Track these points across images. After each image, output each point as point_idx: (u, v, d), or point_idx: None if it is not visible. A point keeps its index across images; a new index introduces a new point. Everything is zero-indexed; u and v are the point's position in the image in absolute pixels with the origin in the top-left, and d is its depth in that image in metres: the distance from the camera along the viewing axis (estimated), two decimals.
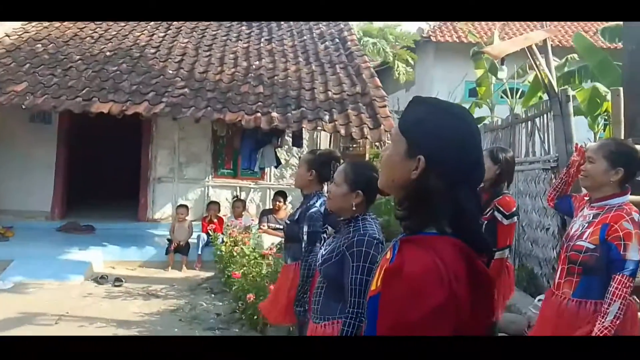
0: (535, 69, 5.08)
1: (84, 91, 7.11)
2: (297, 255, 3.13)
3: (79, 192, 9.43)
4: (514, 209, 3.21)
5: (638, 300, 3.60)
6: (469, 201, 1.09)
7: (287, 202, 7.39)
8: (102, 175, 10.94)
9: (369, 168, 2.24)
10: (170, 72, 7.89)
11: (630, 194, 2.41)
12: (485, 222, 3.20)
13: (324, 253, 2.22)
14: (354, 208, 2.16)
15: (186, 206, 7.73)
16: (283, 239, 5.84)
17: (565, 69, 7.71)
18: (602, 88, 6.21)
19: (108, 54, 8.36)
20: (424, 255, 1.03)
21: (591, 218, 2.36)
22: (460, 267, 1.03)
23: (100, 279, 6.17)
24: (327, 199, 2.34)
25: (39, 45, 8.40)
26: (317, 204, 3.08)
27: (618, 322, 2.15)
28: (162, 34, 9.41)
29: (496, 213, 3.16)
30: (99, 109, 6.82)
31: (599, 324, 2.17)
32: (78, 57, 8.11)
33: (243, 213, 7.76)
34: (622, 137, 4.00)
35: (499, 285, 3.20)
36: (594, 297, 2.27)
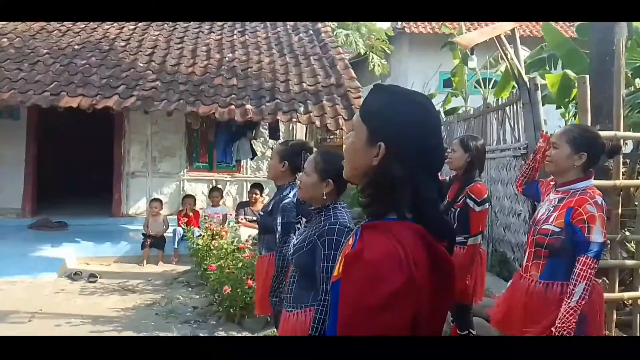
0: (505, 58, 5.16)
1: (52, 85, 6.95)
2: (272, 246, 3.14)
3: (51, 188, 9.23)
4: (486, 195, 3.27)
5: (607, 281, 3.73)
6: (428, 188, 1.11)
7: (263, 194, 7.38)
8: (74, 171, 10.73)
9: (338, 157, 2.24)
10: (141, 65, 7.76)
11: (594, 179, 2.47)
12: (458, 209, 3.26)
13: (295, 242, 2.23)
14: (324, 197, 2.17)
15: (159, 200, 7.66)
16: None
17: (538, 57, 7.81)
18: (572, 74, 6.32)
19: (76, 47, 8.17)
20: (384, 240, 1.04)
21: (557, 202, 2.41)
22: (420, 252, 1.04)
23: (74, 275, 6.07)
24: (298, 188, 2.35)
25: (5, 40, 8.16)
26: (291, 195, 3.09)
27: (583, 302, 2.21)
28: (132, 27, 9.23)
29: (468, 200, 3.22)
30: (67, 104, 6.68)
31: (565, 304, 2.23)
32: (45, 50, 7.91)
33: (220, 202, 7.71)
34: (589, 124, 4.11)
35: (473, 270, 3.27)
36: (560, 279, 2.33)
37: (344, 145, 1.23)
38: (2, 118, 8.24)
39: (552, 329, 2.22)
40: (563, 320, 2.19)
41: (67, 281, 5.99)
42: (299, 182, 2.36)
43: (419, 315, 1.02)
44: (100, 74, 7.34)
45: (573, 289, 2.22)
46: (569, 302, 2.21)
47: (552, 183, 2.60)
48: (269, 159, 3.32)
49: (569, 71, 6.12)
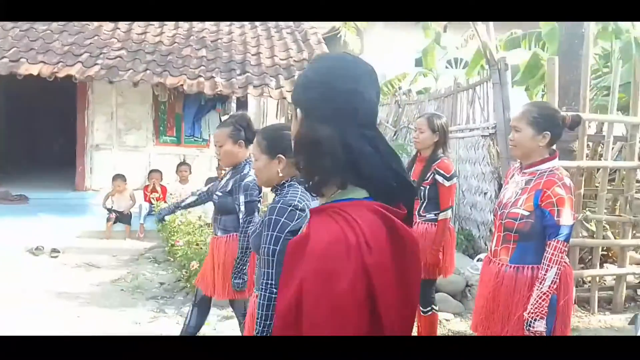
0: (477, 36, 5.18)
1: (11, 51, 6.64)
2: (229, 228, 3.04)
3: (10, 160, 8.89)
4: (453, 170, 3.33)
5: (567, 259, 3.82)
6: (362, 142, 1.02)
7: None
8: (35, 142, 10.35)
9: (281, 128, 2.11)
10: (106, 32, 7.48)
11: (558, 159, 2.47)
12: (427, 186, 3.29)
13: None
14: (280, 174, 2.04)
15: (122, 175, 7.37)
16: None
17: (512, 37, 7.83)
18: (542, 54, 6.37)
19: None
20: (331, 225, 0.95)
21: (523, 184, 2.37)
22: (376, 232, 0.96)
23: (36, 250, 5.90)
24: (256, 176, 2.24)
25: None
26: (251, 172, 2.95)
27: (555, 286, 2.20)
28: None
29: (437, 176, 3.27)
30: (27, 71, 6.40)
31: (536, 289, 2.20)
32: None
33: (189, 178, 7.54)
34: (556, 105, 4.16)
35: (445, 244, 3.32)
36: (529, 262, 2.30)
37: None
38: None
39: (525, 314, 2.22)
40: (535, 306, 2.19)
41: (28, 256, 5.82)
42: (253, 170, 2.23)
43: (383, 298, 0.94)
44: (62, 40, 7.05)
45: (545, 274, 2.19)
46: (541, 287, 2.19)
47: (516, 165, 2.57)
48: (216, 147, 3.13)
49: (540, 51, 6.19)
